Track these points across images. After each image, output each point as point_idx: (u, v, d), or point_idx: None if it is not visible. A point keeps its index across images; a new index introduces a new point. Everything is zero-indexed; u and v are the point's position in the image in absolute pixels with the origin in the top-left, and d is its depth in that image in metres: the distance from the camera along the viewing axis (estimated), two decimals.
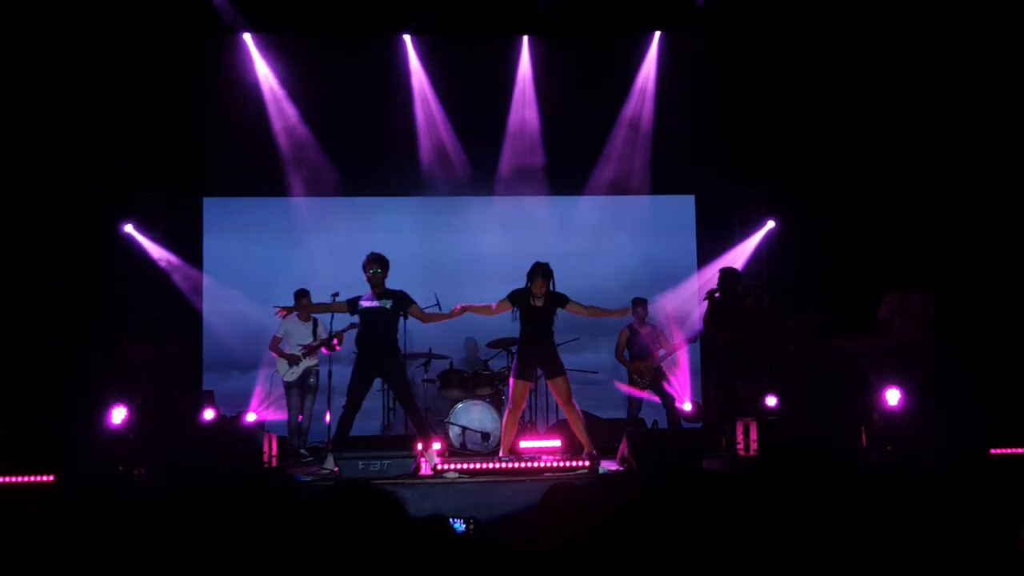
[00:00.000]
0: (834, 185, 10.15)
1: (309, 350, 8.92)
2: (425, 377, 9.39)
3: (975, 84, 9.26)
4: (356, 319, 7.57)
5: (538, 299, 7.04)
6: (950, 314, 8.47)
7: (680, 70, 10.40)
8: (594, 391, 9.75)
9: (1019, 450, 6.85)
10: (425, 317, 7.50)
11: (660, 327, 9.38)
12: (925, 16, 9.15)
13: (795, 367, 9.06)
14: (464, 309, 7.27)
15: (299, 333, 8.99)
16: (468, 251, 10.68)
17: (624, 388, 9.33)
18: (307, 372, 8.95)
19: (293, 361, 8.87)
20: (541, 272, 6.99)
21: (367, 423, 9.66)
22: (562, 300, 7.11)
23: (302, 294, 8.95)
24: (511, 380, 7.26)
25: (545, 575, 2.79)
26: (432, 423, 8.39)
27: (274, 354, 8.97)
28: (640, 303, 9.21)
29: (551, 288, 7.05)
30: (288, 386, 8.94)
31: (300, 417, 8.92)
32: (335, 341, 8.75)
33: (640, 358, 9.12)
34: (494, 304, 7.20)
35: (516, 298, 7.12)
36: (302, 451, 8.72)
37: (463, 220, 10.80)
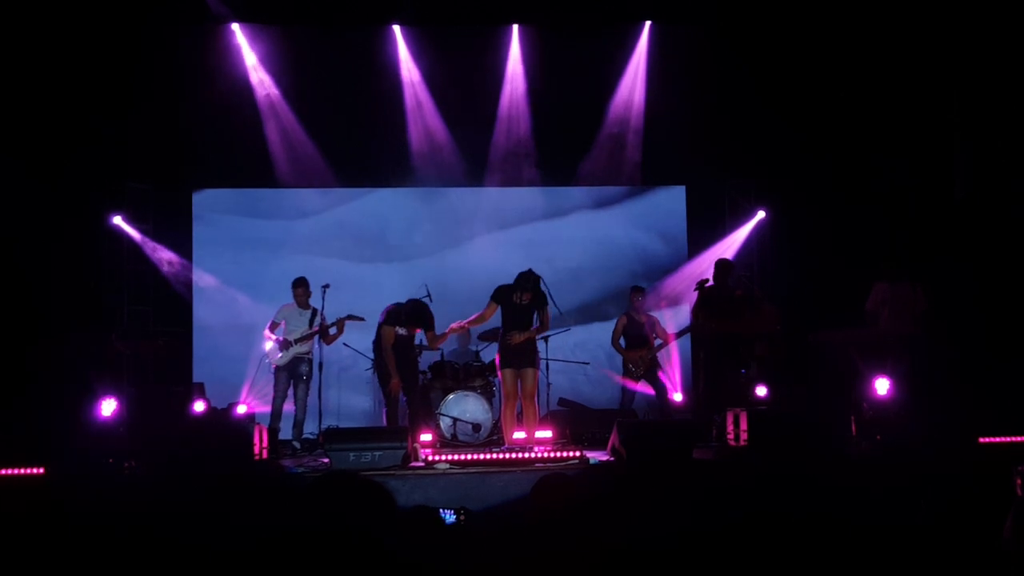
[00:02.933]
0: (824, 175, 10.14)
1: (306, 338, 8.84)
2: None
3: (964, 73, 9.27)
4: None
5: (523, 299, 7.35)
6: (939, 304, 8.48)
7: (670, 61, 10.37)
8: (585, 382, 9.76)
9: (1007, 438, 6.88)
10: (433, 341, 8.08)
11: (656, 316, 9.37)
12: (911, 6, 9.17)
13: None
14: (460, 327, 7.76)
15: (297, 320, 8.92)
16: (458, 242, 10.66)
17: (618, 379, 9.31)
18: (297, 359, 8.85)
19: (284, 346, 8.81)
20: (532, 284, 7.29)
21: (357, 416, 9.70)
22: (542, 302, 7.39)
23: (300, 283, 8.90)
24: (499, 373, 7.50)
25: (536, 565, 2.79)
26: (423, 414, 8.41)
27: (266, 335, 8.88)
28: (638, 291, 9.22)
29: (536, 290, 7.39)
30: (277, 369, 8.86)
31: (292, 405, 8.85)
32: (334, 329, 8.71)
33: (636, 346, 9.09)
34: (484, 311, 7.53)
35: (500, 296, 7.43)
36: (294, 443, 8.68)
37: (453, 210, 10.78)
